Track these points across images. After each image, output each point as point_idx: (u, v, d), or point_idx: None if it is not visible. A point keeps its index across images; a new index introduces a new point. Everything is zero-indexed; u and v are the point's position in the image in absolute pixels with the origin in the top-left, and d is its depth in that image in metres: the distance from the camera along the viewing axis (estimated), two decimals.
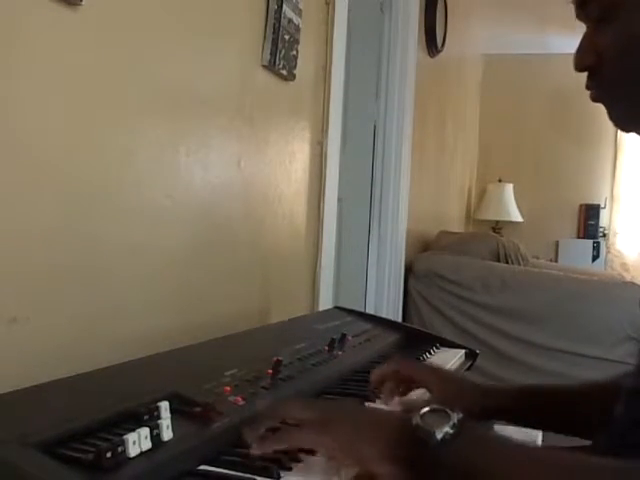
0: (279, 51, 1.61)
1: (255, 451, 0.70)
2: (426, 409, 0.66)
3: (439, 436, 0.63)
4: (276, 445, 0.70)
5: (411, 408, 0.95)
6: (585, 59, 0.76)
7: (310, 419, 0.70)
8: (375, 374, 1.03)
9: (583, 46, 0.77)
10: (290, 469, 0.70)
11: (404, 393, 1.04)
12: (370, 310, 2.81)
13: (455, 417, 0.64)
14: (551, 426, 1.02)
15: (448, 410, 0.65)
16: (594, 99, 0.77)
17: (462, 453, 0.63)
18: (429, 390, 1.03)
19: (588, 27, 0.77)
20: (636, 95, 0.74)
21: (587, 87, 0.78)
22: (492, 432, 0.68)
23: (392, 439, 0.65)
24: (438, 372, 1.08)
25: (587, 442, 0.92)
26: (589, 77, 0.77)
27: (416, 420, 0.65)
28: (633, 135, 0.79)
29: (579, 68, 0.77)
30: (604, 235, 5.13)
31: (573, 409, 0.99)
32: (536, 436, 2.00)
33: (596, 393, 0.98)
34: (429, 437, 0.63)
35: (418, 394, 1.05)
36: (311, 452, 0.73)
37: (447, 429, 0.63)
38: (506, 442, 0.66)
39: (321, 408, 0.74)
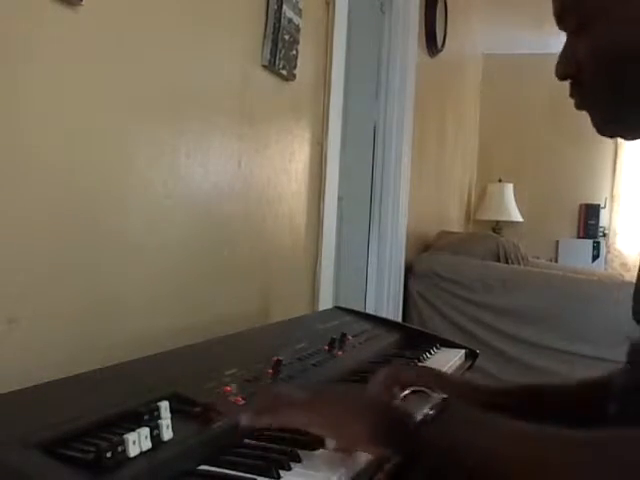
0: (279, 51, 1.61)
1: (246, 423, 0.73)
2: (407, 391, 0.69)
3: (419, 417, 0.65)
4: (267, 420, 0.73)
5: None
6: (565, 69, 0.78)
7: (300, 399, 0.73)
8: (374, 383, 0.97)
9: (563, 56, 0.79)
10: (290, 469, 0.71)
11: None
12: (370, 310, 2.81)
13: (436, 398, 0.67)
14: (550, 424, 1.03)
15: (428, 391, 0.68)
16: (577, 107, 0.79)
17: (444, 432, 0.65)
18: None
19: (567, 37, 0.79)
20: (614, 102, 0.76)
21: (571, 95, 0.79)
22: (477, 411, 0.70)
23: (376, 421, 0.68)
24: (438, 375, 1.07)
25: None
26: (571, 85, 0.79)
27: (397, 402, 0.68)
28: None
29: (561, 77, 0.79)
30: (604, 235, 5.13)
31: (572, 407, 0.99)
32: None
33: (592, 391, 0.99)
34: (409, 418, 0.65)
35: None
36: (300, 432, 0.74)
37: (426, 410, 0.65)
38: (490, 419, 0.68)
39: (312, 390, 0.77)
